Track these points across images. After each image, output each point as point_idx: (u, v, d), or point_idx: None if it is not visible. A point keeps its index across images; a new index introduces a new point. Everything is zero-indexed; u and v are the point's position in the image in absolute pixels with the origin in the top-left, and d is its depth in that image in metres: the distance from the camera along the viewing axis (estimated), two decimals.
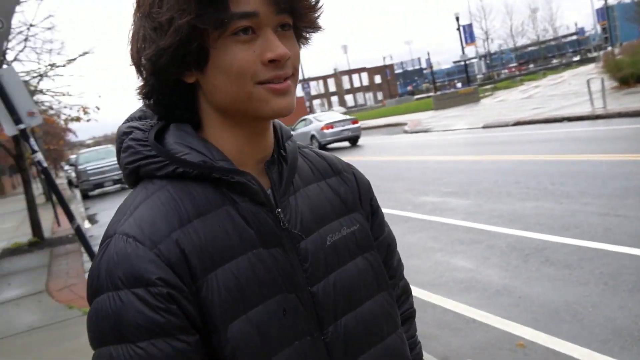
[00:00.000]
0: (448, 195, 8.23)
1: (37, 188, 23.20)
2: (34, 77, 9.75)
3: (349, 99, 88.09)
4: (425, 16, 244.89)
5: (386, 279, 0.99)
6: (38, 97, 10.21)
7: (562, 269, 4.53)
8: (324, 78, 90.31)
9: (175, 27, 0.75)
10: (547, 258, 4.83)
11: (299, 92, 40.96)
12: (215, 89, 0.81)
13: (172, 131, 0.85)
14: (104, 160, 22.36)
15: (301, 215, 0.89)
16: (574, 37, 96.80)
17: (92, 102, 10.36)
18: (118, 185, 22.06)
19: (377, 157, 15.75)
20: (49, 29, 9.25)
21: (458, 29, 41.54)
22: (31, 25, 8.81)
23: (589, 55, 69.66)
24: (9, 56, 8.12)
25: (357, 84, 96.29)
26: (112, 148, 26.16)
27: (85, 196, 21.37)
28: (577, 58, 75.72)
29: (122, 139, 0.87)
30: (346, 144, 21.23)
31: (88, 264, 7.76)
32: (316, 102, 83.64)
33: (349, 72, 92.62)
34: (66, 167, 29.30)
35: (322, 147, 19.82)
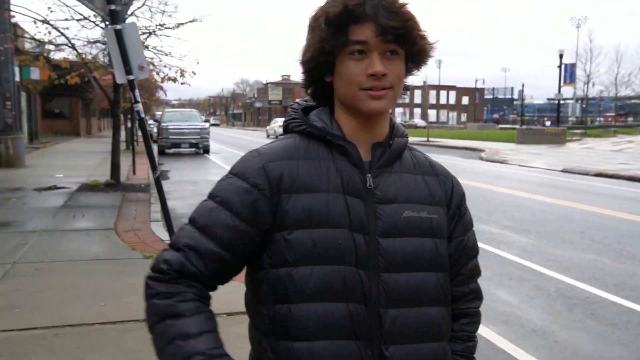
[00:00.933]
0: (508, 229, 8.16)
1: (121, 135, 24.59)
2: (143, 34, 10.43)
3: (432, 114, 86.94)
4: (529, 46, 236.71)
5: (446, 264, 1.25)
6: (144, 52, 10.91)
7: (606, 325, 4.48)
8: (412, 89, 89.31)
9: (314, 46, 1.15)
10: (593, 312, 4.78)
11: None
12: (339, 88, 1.19)
13: (317, 109, 1.26)
14: (186, 122, 23.38)
15: (387, 187, 1.20)
16: None
17: (190, 67, 11.05)
18: (193, 149, 23.08)
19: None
20: None
21: (559, 66, 40.10)
22: None
23: None
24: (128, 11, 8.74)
25: (443, 100, 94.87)
26: (195, 112, 27.30)
27: (162, 152, 22.46)
28: None
29: (289, 108, 1.30)
30: None
31: (155, 214, 8.31)
32: (398, 109, 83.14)
33: (438, 88, 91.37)
34: (150, 122, 30.80)
35: None
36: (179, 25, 10.34)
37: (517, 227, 8.35)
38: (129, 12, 8.42)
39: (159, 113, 34.21)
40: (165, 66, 11.41)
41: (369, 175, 1.19)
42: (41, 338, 3.90)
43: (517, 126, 51.79)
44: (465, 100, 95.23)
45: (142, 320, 4.18)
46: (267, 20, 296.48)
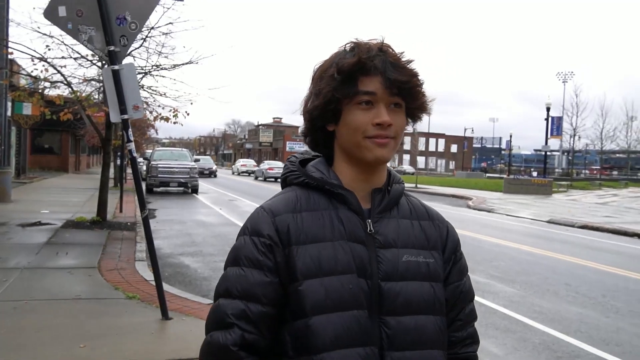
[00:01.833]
0: (494, 279, 8.16)
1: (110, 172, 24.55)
2: (139, 73, 10.58)
3: (420, 160, 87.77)
4: (517, 98, 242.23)
5: (444, 308, 1.28)
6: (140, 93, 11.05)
7: None
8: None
9: (325, 94, 1.21)
10: None
11: None
12: (342, 136, 1.25)
13: (314, 161, 1.33)
14: (176, 161, 23.42)
15: (387, 232, 1.25)
16: None
17: (184, 107, 11.16)
18: (181, 188, 23.03)
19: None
20: (165, 34, 10.09)
21: (547, 119, 40.95)
22: (152, 28, 9.67)
23: None
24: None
25: (432, 148, 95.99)
26: (186, 152, 27.41)
27: (150, 190, 22.36)
28: None
29: (286, 162, 1.36)
30: None
31: (140, 253, 8.22)
32: None
33: (427, 135, 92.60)
34: (139, 160, 30.83)
35: None
36: (174, 66, 10.52)
37: (503, 277, 8.36)
38: (127, 53, 8.57)
39: (149, 151, 34.27)
40: (159, 106, 11.54)
41: (369, 220, 1.24)
42: None
43: (505, 175, 52.43)
44: (454, 148, 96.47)
45: None
46: (262, 63, 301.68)
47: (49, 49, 9.41)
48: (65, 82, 9.96)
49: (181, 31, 12.41)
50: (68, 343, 4.47)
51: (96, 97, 10.88)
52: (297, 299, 1.17)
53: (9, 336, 4.57)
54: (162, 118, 11.01)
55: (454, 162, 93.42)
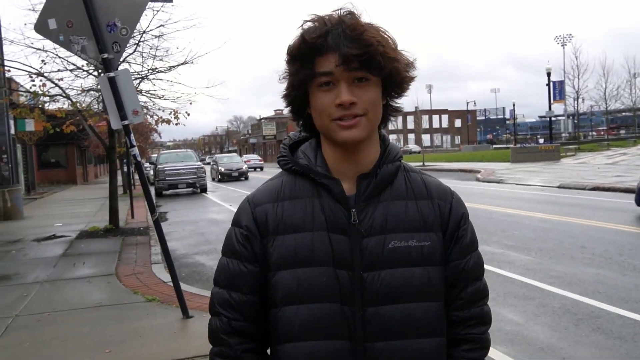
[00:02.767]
0: (509, 248, 8.16)
1: (118, 180, 24.71)
2: (135, 79, 10.60)
3: (425, 138, 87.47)
4: (517, 66, 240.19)
5: (440, 293, 1.20)
6: (137, 97, 11.08)
7: (614, 339, 4.46)
8: (404, 115, 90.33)
9: (287, 80, 1.20)
10: (600, 326, 4.76)
11: None
12: (314, 119, 1.20)
13: (305, 143, 1.28)
14: (182, 163, 23.54)
15: (373, 219, 1.18)
16: None
17: (184, 108, 11.26)
18: (190, 189, 23.14)
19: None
20: (158, 37, 10.10)
21: (548, 84, 40.62)
22: (144, 32, 9.67)
23: None
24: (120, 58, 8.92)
25: (436, 124, 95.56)
26: (191, 153, 27.48)
27: (159, 194, 22.49)
28: None
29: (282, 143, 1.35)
30: None
31: (156, 256, 8.30)
32: (392, 136, 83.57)
33: (430, 112, 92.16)
34: (145, 165, 30.96)
35: None
36: (170, 68, 10.53)
37: (518, 245, 8.36)
38: (121, 59, 8.59)
39: (154, 155, 34.36)
40: (159, 109, 11.57)
41: (354, 210, 1.17)
42: None
43: (511, 145, 52.09)
44: (458, 122, 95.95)
45: None
46: (258, 55, 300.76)
47: (45, 64, 9.46)
48: (64, 94, 10.00)
49: (173, 32, 12.38)
50: (93, 350, 4.53)
51: (96, 106, 10.92)
52: (271, 289, 1.19)
53: (35, 348, 4.64)
54: (163, 121, 11.05)
55: (459, 136, 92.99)
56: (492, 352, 4.30)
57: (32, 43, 9.41)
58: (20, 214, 14.64)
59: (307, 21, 1.16)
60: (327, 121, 1.15)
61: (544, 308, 5.34)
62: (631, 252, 7.43)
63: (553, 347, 4.38)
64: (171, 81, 11.72)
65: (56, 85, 9.81)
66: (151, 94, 11.22)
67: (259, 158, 54.13)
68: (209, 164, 37.26)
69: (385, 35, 1.14)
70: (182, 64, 10.27)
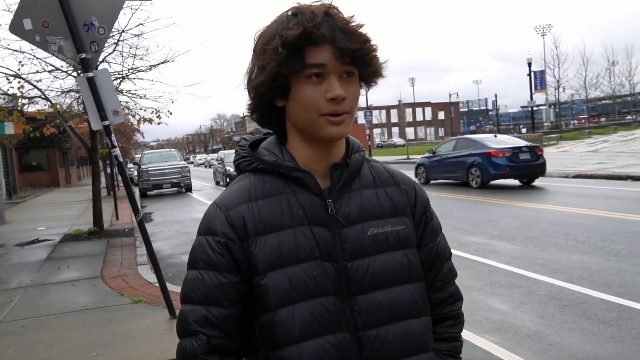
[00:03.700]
0: (494, 238, 8.23)
1: (101, 181, 24.42)
2: (116, 79, 10.48)
3: (409, 131, 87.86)
4: (498, 58, 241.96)
5: (420, 274, 1.23)
6: (117, 97, 10.95)
7: (599, 324, 4.52)
8: (387, 108, 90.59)
9: (270, 69, 1.09)
10: (585, 312, 4.83)
11: (361, 119, 41.25)
12: (293, 113, 1.14)
13: (267, 140, 1.24)
14: (166, 162, 23.32)
15: (349, 209, 1.17)
16: None
17: (166, 107, 11.18)
18: (175, 189, 22.98)
19: (429, 192, 15.76)
20: (137, 36, 9.97)
21: (529, 74, 40.97)
22: (123, 31, 9.55)
23: None
24: (99, 58, 8.80)
25: (419, 117, 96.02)
26: (175, 152, 27.24)
27: (144, 195, 22.30)
28: None
29: (235, 145, 1.28)
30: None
31: (141, 257, 8.23)
32: (376, 130, 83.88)
33: (413, 105, 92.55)
34: (129, 165, 30.70)
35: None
36: (151, 67, 10.41)
37: (503, 235, 8.43)
38: (100, 59, 8.47)
39: (138, 156, 34.05)
40: (141, 109, 11.45)
41: (330, 201, 1.16)
42: None
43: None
44: (441, 115, 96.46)
45: None
46: (238, 52, 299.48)
47: (22, 65, 9.29)
48: (43, 96, 9.86)
49: (153, 31, 12.34)
50: (80, 354, 4.49)
51: (76, 107, 10.77)
52: (261, 293, 1.11)
53: (20, 354, 4.58)
54: (145, 120, 10.94)
55: (442, 128, 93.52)
56: (481, 341, 4.34)
57: (8, 44, 9.23)
58: (2, 218, 14.43)
59: (292, 8, 1.12)
60: (314, 116, 1.10)
61: (530, 296, 5.39)
62: (614, 238, 7.54)
63: (540, 333, 4.42)
64: (152, 80, 11.63)
65: (35, 86, 9.67)
66: (132, 94, 11.10)
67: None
68: (192, 163, 34.64)
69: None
70: (162, 62, 10.16)
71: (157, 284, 5.65)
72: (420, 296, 1.22)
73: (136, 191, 23.38)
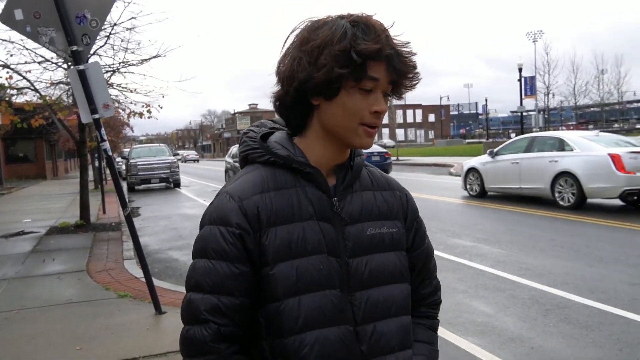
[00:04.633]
0: (480, 241, 8.29)
1: (89, 175, 24.22)
2: (107, 72, 10.41)
3: (399, 133, 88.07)
4: (489, 63, 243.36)
5: (408, 275, 1.31)
6: (108, 90, 10.88)
7: (580, 328, 4.58)
8: None
9: (330, 69, 1.12)
10: (567, 316, 4.89)
11: None
12: (332, 116, 1.18)
13: (276, 134, 1.27)
14: (155, 157, 23.16)
15: (352, 208, 1.24)
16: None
17: (156, 101, 11.15)
18: (163, 184, 22.86)
19: (417, 194, 15.80)
20: (129, 29, 9.92)
21: (519, 79, 41.26)
22: (115, 24, 9.49)
23: None
24: (91, 50, 8.74)
25: (410, 119, 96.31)
26: (164, 147, 27.09)
27: (132, 189, 22.16)
28: None
29: (242, 136, 1.30)
30: None
31: (128, 252, 8.19)
32: None
33: (404, 107, 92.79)
34: (118, 160, 30.49)
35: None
36: (142, 61, 10.36)
37: (489, 238, 8.50)
38: (91, 52, 8.42)
39: (126, 150, 33.83)
40: (131, 102, 11.39)
41: (335, 199, 1.23)
42: None
43: (484, 140, 52.83)
44: (431, 117, 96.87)
45: None
46: (230, 49, 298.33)
47: (11, 55, 9.23)
48: (32, 87, 9.76)
49: (145, 25, 12.24)
50: (63, 347, 4.46)
51: (66, 100, 10.68)
52: (269, 283, 1.15)
53: (2, 346, 4.54)
54: (135, 114, 10.88)
55: (432, 131, 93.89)
56: (464, 343, 4.39)
57: None
58: None
59: (350, 16, 1.15)
60: (355, 124, 1.16)
61: (514, 299, 5.45)
62: (598, 244, 7.63)
63: (522, 337, 4.47)
64: (143, 74, 11.54)
65: (24, 77, 9.57)
66: (123, 88, 11.02)
67: (195, 152, 57.62)
68: (181, 159, 34.41)
69: None
70: (154, 57, 10.12)
71: (144, 279, 5.64)
72: (408, 295, 1.31)
73: (124, 185, 23.25)
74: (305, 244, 1.16)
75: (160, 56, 10.07)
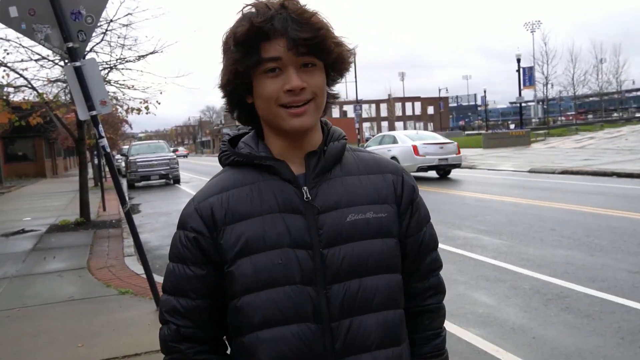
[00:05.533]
0: (481, 233, 8.30)
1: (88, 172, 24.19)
2: (104, 69, 10.38)
3: (399, 125, 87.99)
4: (487, 54, 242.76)
5: (398, 265, 1.21)
6: (105, 87, 10.84)
7: (581, 317, 4.59)
8: (377, 102, 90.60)
9: (229, 68, 1.13)
10: (568, 306, 4.89)
11: (350, 113, 41.26)
12: (259, 108, 1.16)
13: (246, 135, 1.26)
14: (154, 154, 23.16)
15: (327, 195, 1.17)
16: (639, 93, 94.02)
17: (154, 97, 11.09)
18: (163, 180, 22.86)
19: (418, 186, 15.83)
20: (126, 25, 9.87)
21: (518, 70, 41.17)
22: (111, 20, 9.45)
23: None
24: (87, 47, 8.71)
25: (409, 112, 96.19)
26: (163, 144, 27.07)
27: (131, 186, 22.16)
28: (639, 114, 73.53)
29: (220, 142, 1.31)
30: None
31: (128, 249, 8.19)
32: (366, 124, 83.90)
33: (403, 100, 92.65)
34: (117, 157, 30.47)
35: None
36: (139, 57, 10.32)
37: (490, 230, 8.50)
38: (87, 49, 8.38)
39: (126, 147, 33.82)
40: (129, 99, 11.36)
41: (305, 188, 1.16)
42: None
43: (483, 131, 52.78)
44: (430, 109, 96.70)
45: (121, 357, 4.09)
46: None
47: (8, 53, 9.17)
48: (29, 85, 9.73)
49: (142, 21, 12.14)
50: (65, 345, 4.47)
51: (63, 97, 10.66)
52: (229, 281, 1.14)
53: (4, 345, 4.55)
54: (133, 110, 10.85)
55: (431, 123, 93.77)
56: (466, 334, 4.39)
57: None
58: None
59: (247, 5, 1.12)
60: (274, 108, 1.11)
61: (515, 290, 5.45)
62: (598, 234, 7.63)
63: (524, 327, 4.48)
64: (141, 71, 11.61)
65: (20, 75, 9.55)
66: (120, 84, 10.98)
67: (184, 149, 59.01)
68: (182, 156, 35.30)
69: (327, 20, 1.13)
70: (151, 53, 10.08)
71: (144, 276, 5.64)
72: (397, 287, 1.20)
73: (124, 182, 23.24)
74: (264, 238, 1.12)
75: (157, 52, 10.04)
